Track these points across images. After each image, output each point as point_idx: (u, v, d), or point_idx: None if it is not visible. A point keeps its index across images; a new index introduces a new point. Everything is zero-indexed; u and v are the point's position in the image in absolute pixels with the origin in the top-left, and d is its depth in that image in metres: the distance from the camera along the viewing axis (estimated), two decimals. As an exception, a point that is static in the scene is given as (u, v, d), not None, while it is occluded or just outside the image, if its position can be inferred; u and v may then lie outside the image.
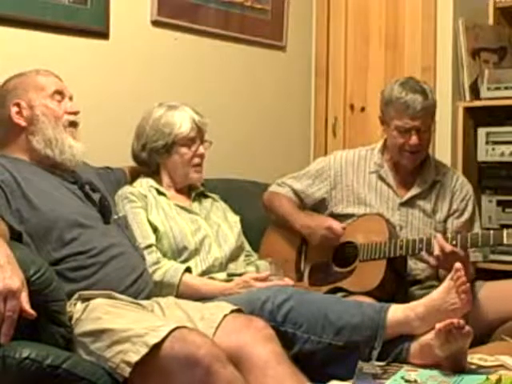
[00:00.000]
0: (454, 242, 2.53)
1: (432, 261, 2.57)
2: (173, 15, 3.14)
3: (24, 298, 1.78)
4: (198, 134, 2.68)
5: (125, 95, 2.97)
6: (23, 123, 2.29)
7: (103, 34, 2.90)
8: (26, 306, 1.77)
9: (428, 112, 2.72)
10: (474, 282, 2.69)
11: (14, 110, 2.29)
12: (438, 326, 2.00)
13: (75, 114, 2.36)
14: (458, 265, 2.10)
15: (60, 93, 2.35)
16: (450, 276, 2.10)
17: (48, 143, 2.29)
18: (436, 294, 2.12)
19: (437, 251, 2.52)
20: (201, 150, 2.68)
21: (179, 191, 2.72)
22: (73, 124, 2.35)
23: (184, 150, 2.66)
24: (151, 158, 2.69)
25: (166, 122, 2.66)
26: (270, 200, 2.96)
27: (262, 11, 3.49)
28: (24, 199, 2.16)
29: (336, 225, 2.75)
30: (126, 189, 2.63)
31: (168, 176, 2.70)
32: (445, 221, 2.80)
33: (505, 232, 2.49)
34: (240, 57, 3.45)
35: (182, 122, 2.65)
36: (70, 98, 2.38)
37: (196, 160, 2.68)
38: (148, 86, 3.05)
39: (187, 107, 2.70)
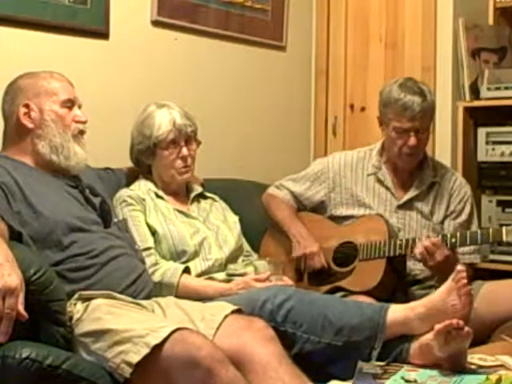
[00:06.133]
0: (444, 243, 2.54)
1: (417, 254, 2.56)
2: (173, 15, 3.14)
3: (20, 299, 1.77)
4: (179, 136, 2.61)
5: (125, 95, 2.97)
6: (30, 125, 2.28)
7: (103, 34, 2.90)
8: (20, 307, 1.77)
9: (426, 113, 2.71)
10: (474, 282, 2.69)
11: (23, 110, 2.27)
12: (437, 327, 2.00)
13: (84, 123, 2.35)
14: (460, 266, 2.10)
15: (71, 101, 2.33)
16: (451, 277, 2.10)
17: (54, 149, 2.28)
18: (437, 295, 2.12)
19: (420, 248, 2.53)
20: (184, 152, 2.61)
21: (177, 195, 2.70)
22: (81, 133, 2.35)
23: (165, 152, 2.61)
24: (140, 160, 2.69)
25: (147, 123, 2.62)
26: (267, 202, 2.96)
27: (262, 11, 3.49)
28: (25, 203, 2.16)
29: (318, 257, 2.75)
30: (124, 192, 2.61)
31: (158, 177, 2.68)
32: (442, 222, 2.79)
33: (504, 229, 2.49)
34: (240, 57, 3.44)
35: (160, 123, 2.60)
36: (79, 106, 2.36)
37: (179, 162, 2.62)
38: (148, 85, 3.05)
39: (175, 107, 2.64)
